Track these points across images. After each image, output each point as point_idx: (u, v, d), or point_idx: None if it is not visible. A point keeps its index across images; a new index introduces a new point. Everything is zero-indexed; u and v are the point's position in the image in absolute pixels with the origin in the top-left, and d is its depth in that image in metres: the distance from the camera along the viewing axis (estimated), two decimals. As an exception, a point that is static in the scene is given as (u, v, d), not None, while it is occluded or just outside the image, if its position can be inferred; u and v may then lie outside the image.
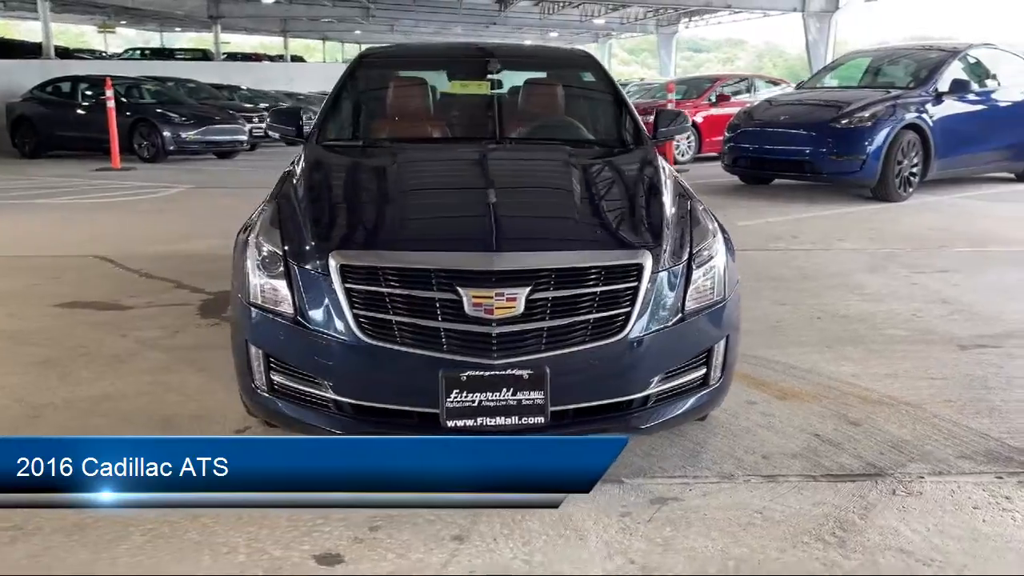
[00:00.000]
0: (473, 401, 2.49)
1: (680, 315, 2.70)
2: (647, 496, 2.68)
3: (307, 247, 2.72)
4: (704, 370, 2.82)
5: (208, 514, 2.53)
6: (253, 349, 2.76)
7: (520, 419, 2.52)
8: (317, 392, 2.66)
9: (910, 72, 9.70)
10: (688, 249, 2.79)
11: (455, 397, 2.49)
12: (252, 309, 2.76)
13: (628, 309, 2.62)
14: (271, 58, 44.74)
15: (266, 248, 2.79)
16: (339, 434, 2.71)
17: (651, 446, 3.00)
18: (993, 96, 9.61)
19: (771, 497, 2.68)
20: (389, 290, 2.56)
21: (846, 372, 3.81)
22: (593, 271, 2.61)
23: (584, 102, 4.24)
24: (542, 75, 4.39)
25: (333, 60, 59.53)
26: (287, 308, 2.68)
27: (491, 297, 2.50)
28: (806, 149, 8.86)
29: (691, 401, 2.79)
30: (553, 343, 2.55)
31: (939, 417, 3.32)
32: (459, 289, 2.51)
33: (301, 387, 2.69)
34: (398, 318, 2.54)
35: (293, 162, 3.67)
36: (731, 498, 2.68)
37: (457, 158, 3.62)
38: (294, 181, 3.28)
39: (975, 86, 9.29)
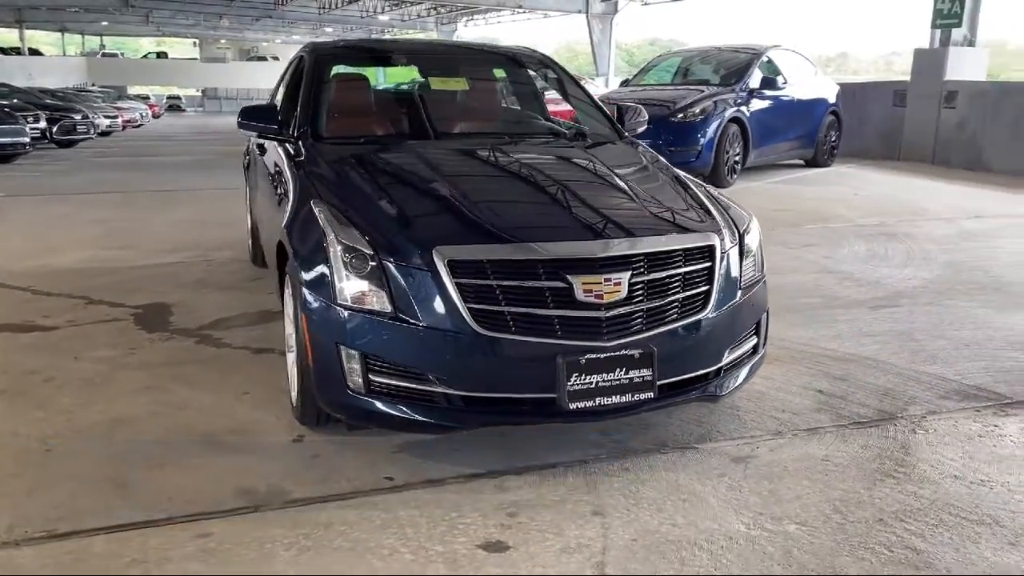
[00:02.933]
0: (591, 383, 2.63)
1: (741, 291, 2.98)
2: (726, 457, 2.94)
3: (402, 245, 2.71)
4: (755, 340, 3.12)
5: (337, 523, 2.49)
6: (346, 351, 2.71)
7: (633, 396, 2.69)
8: (423, 388, 2.68)
9: (722, 71, 10.66)
10: (737, 230, 3.06)
11: (575, 380, 2.62)
12: (342, 310, 2.71)
13: (707, 288, 2.86)
14: (4, 51, 40.53)
15: (349, 248, 2.74)
16: (447, 429, 2.75)
17: (698, 416, 3.25)
18: (788, 92, 10.79)
19: (825, 446, 3.03)
20: (500, 282, 2.63)
21: (802, 336, 4.28)
22: (677, 254, 2.82)
23: (560, 97, 4.42)
24: (517, 72, 4.51)
25: (75, 53, 54.77)
26: (384, 306, 2.67)
27: (600, 283, 2.65)
28: (646, 142, 9.49)
29: (747, 369, 3.08)
30: (652, 323, 2.74)
31: (900, 367, 3.84)
32: (568, 277, 2.63)
33: (404, 384, 2.69)
34: (511, 308, 2.62)
35: (289, 160, 3.57)
36: (794, 451, 3.00)
37: (487, 153, 3.66)
38: (329, 179, 3.22)
39: (779, 83, 10.39)
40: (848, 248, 6.48)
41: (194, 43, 67.45)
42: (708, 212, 3.11)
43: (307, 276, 2.84)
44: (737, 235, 3.05)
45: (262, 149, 4.39)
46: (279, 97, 4.99)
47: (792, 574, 2.25)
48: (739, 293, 2.97)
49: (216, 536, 2.42)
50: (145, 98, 45.18)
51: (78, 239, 6.82)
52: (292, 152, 3.69)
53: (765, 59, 10.64)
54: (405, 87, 4.33)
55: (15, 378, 3.64)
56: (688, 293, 2.83)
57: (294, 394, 3.16)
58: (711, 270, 2.88)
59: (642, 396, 2.70)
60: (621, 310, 2.68)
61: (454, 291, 2.61)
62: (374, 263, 2.70)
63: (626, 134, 4.13)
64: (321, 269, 2.79)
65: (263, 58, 66.53)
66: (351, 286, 2.72)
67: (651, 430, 3.13)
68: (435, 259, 2.64)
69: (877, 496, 2.69)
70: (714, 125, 9.39)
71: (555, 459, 2.90)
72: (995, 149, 11.15)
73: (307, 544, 2.38)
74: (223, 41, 60.71)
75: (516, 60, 4.55)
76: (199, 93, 67.98)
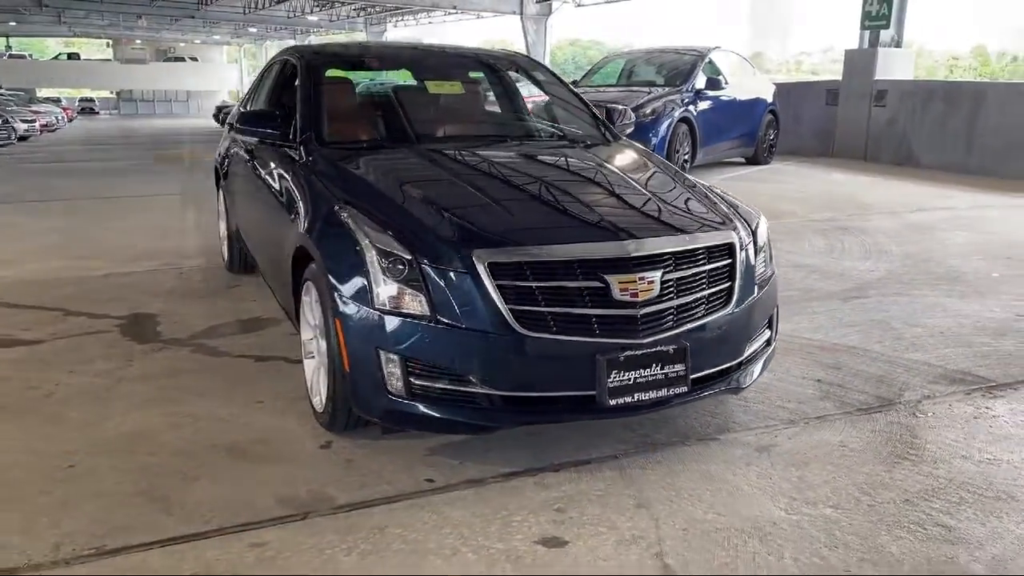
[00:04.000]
0: (629, 379, 2.71)
1: (757, 286, 3.10)
2: (749, 447, 3.05)
3: (440, 248, 2.74)
4: (769, 333, 3.24)
5: (391, 526, 2.51)
6: (386, 355, 2.73)
7: (668, 390, 2.78)
8: (464, 389, 2.72)
9: (667, 72, 10.89)
10: (749, 227, 3.18)
11: (615, 377, 2.69)
12: (381, 315, 2.73)
13: (729, 284, 2.98)
14: None
15: (386, 253, 2.76)
16: (488, 429, 2.79)
17: (711, 409, 3.36)
18: (731, 93, 11.08)
19: (838, 432, 3.17)
20: (539, 283, 2.68)
21: (786, 329, 4.42)
22: (701, 251, 2.92)
23: (550, 100, 4.48)
24: (510, 75, 4.56)
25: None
26: (423, 310, 2.70)
27: (635, 281, 2.73)
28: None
29: (762, 361, 3.21)
30: (682, 319, 2.83)
31: (885, 355, 4.03)
32: (605, 276, 2.70)
33: (445, 386, 2.72)
34: (550, 308, 2.68)
35: (292, 166, 3.56)
36: (811, 438, 3.13)
37: (500, 155, 3.70)
38: (346, 183, 3.24)
39: (723, 83, 10.67)
40: (808, 243, 6.71)
41: (107, 43, 65.28)
42: (721, 210, 3.22)
43: (340, 282, 2.84)
44: (750, 232, 3.16)
45: (253, 155, 4.33)
46: (260, 101, 4.93)
47: (838, 553, 2.37)
48: (756, 288, 3.08)
49: (272, 544, 2.42)
50: (56, 101, 43.64)
51: (33, 249, 6.60)
52: (295, 157, 3.67)
53: (708, 60, 10.91)
54: (404, 91, 4.29)
55: (14, 394, 3.54)
56: (713, 289, 2.93)
57: (319, 400, 3.15)
58: (732, 267, 2.99)
59: (676, 390, 2.79)
60: (654, 307, 2.76)
61: (495, 293, 2.65)
62: (412, 267, 2.72)
63: (620, 136, 4.22)
64: (356, 274, 2.80)
65: (181, 59, 64.87)
66: (389, 291, 2.74)
67: (671, 423, 3.22)
68: (475, 262, 2.67)
69: (898, 478, 2.83)
70: (665, 125, 9.61)
71: (587, 455, 2.97)
72: (923, 145, 11.66)
73: (366, 548, 2.40)
74: (138, 42, 58.92)
75: (507, 64, 4.60)
76: (113, 95, 65.93)
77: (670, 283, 2.81)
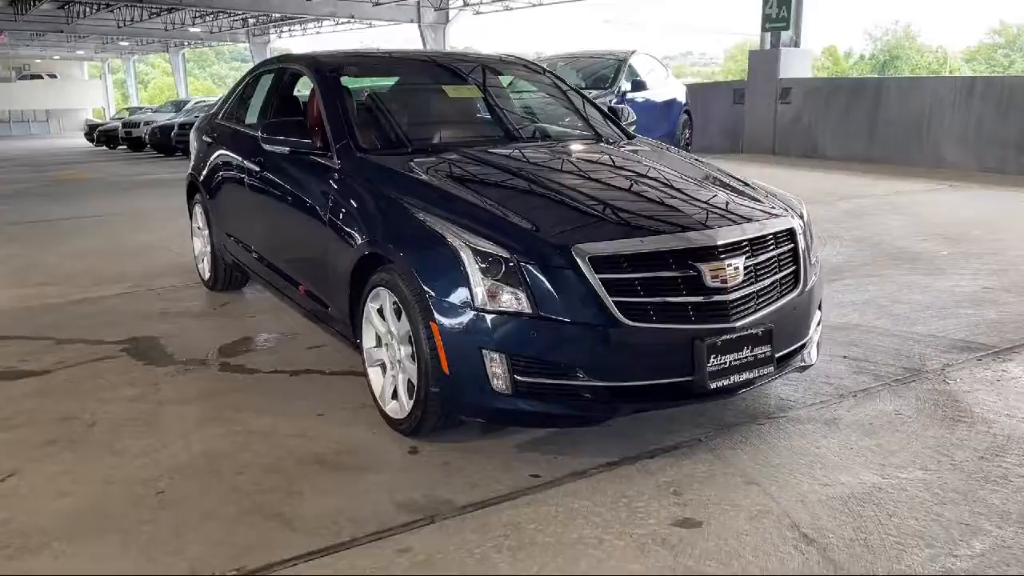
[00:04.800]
0: (725, 362, 2.84)
1: (813, 267, 3.28)
2: (817, 422, 3.23)
3: (538, 246, 2.79)
4: (819, 314, 3.43)
5: (524, 522, 2.55)
6: (489, 354, 2.76)
7: (758, 371, 2.92)
8: (570, 383, 2.78)
9: (592, 76, 11.15)
10: (798, 213, 3.36)
11: (713, 361, 2.81)
12: (484, 315, 2.76)
13: (795, 267, 3.15)
14: None
15: (483, 254, 2.79)
16: (593, 421, 2.86)
17: (761, 391, 3.52)
18: (650, 94, 11.45)
19: (887, 402, 3.39)
20: (637, 274, 2.78)
21: (791, 312, 4.67)
22: (770, 237, 3.08)
23: (564, 101, 4.57)
24: (529, 78, 4.61)
25: None
26: (525, 307, 2.74)
27: (724, 268, 2.85)
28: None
29: (817, 340, 3.39)
30: (762, 303, 2.98)
31: (890, 330, 4.31)
32: (698, 265, 2.82)
33: (551, 381, 2.78)
34: (650, 298, 2.77)
35: (326, 175, 3.55)
36: (867, 409, 3.33)
37: (547, 154, 3.75)
38: (409, 188, 3.24)
39: (647, 85, 11.01)
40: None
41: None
42: (774, 200, 3.39)
43: (433, 286, 2.85)
44: (800, 217, 3.34)
45: (264, 166, 4.24)
46: (247, 113, 4.83)
47: (950, 508, 2.55)
48: (814, 270, 3.26)
49: (418, 549, 2.41)
50: None
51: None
52: (330, 167, 3.64)
53: (628, 64, 11.23)
54: (429, 97, 4.29)
55: (54, 427, 3.36)
56: (783, 273, 3.09)
57: (397, 406, 3.15)
58: (795, 251, 3.16)
59: (764, 370, 2.94)
60: (742, 292, 2.90)
61: (599, 286, 2.72)
62: (511, 266, 2.76)
63: (634, 134, 4.35)
64: (451, 278, 2.82)
65: (39, 76, 61.41)
66: (489, 290, 2.77)
67: (734, 405, 3.37)
68: (575, 257, 2.74)
69: (963, 438, 3.06)
70: (598, 126, 9.82)
71: (673, 441, 3.08)
72: (828, 138, 12.36)
73: (512, 544, 2.43)
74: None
75: (517, 68, 4.67)
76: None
77: (750, 268, 2.95)
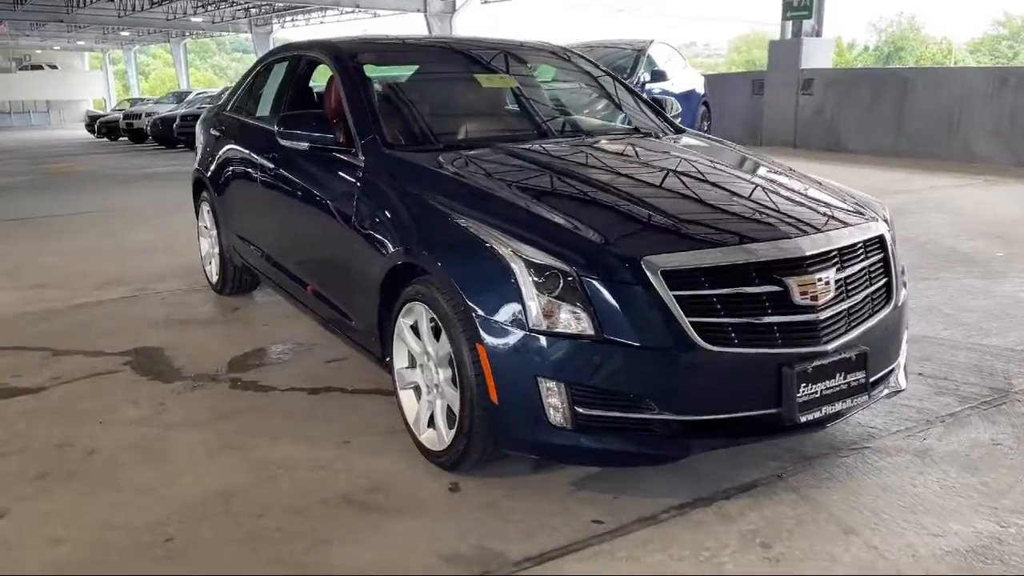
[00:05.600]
0: (816, 392, 2.48)
1: (902, 278, 2.91)
2: (907, 453, 2.87)
3: (602, 257, 2.43)
4: (906, 330, 3.06)
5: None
6: (546, 383, 2.40)
7: (851, 400, 2.56)
8: (638, 415, 2.42)
9: (611, 66, 10.74)
10: (881, 216, 2.99)
11: (803, 391, 2.45)
12: (540, 337, 2.39)
13: (887, 279, 2.78)
14: None
15: (539, 267, 2.42)
16: (664, 459, 2.50)
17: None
18: (670, 84, 11.06)
19: (980, 429, 3.03)
20: (716, 290, 2.41)
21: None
22: (860, 246, 2.71)
23: (600, 93, 4.19)
24: (565, 68, 4.24)
25: None
26: (587, 328, 2.38)
27: (814, 283, 2.49)
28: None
29: (904, 362, 3.02)
30: (855, 321, 2.61)
31: (963, 343, 3.95)
32: (784, 279, 2.45)
33: (616, 414, 2.42)
34: (731, 318, 2.41)
35: (350, 173, 3.19)
36: (959, 437, 2.97)
37: (595, 151, 3.38)
38: (448, 190, 2.87)
39: (666, 76, 10.62)
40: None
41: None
42: (856, 203, 3.02)
43: (480, 303, 2.49)
44: (885, 222, 2.97)
45: (278, 163, 3.87)
46: (258, 105, 4.45)
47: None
48: (902, 281, 2.90)
49: (474, 617, 2.06)
50: None
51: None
52: (355, 164, 3.27)
53: (647, 54, 10.84)
54: (459, 87, 3.92)
55: (49, 455, 3.00)
56: (875, 287, 2.72)
57: (434, 436, 2.80)
58: (886, 261, 2.80)
59: (857, 399, 2.58)
60: (833, 310, 2.53)
61: (673, 304, 2.36)
62: (571, 281, 2.40)
63: (682, 127, 3.99)
64: (501, 293, 2.45)
65: (39, 67, 60.96)
66: (546, 309, 2.40)
67: (810, 436, 3.00)
68: (646, 270, 2.37)
69: (1074, 472, 2.69)
70: (619, 118, 9.45)
71: (748, 477, 2.72)
72: (851, 131, 11.97)
73: None
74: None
75: (554, 56, 4.28)
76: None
77: (840, 282, 2.59)
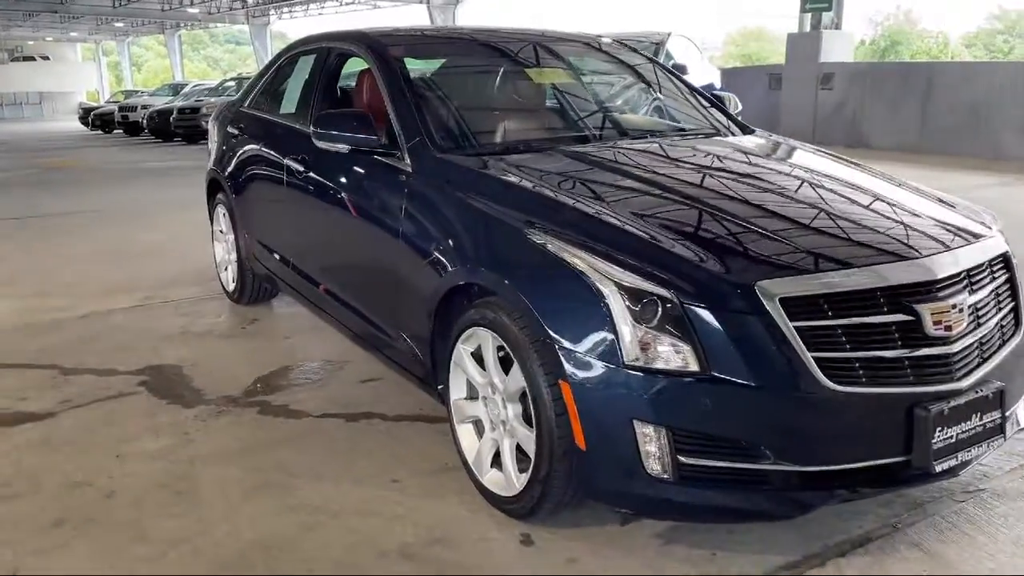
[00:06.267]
0: (951, 436, 2.16)
1: None
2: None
3: (709, 281, 2.10)
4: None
5: None
6: (643, 427, 2.08)
7: (986, 443, 2.25)
8: (752, 466, 2.09)
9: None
10: (996, 229, 2.68)
11: (939, 435, 2.13)
12: (636, 374, 2.07)
13: (1014, 303, 2.47)
14: None
15: (635, 292, 2.10)
16: (780, 516, 2.18)
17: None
18: (689, 78, 10.70)
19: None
20: (840, 320, 2.09)
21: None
22: (986, 265, 2.40)
23: (662, 87, 3.85)
24: (617, 61, 3.90)
25: None
26: (693, 364, 2.06)
27: (948, 310, 2.17)
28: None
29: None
30: (987, 353, 2.30)
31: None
32: (916, 306, 2.13)
33: (725, 464, 2.09)
34: (858, 352, 2.09)
35: (394, 177, 2.87)
36: (1081, 477, 2.66)
37: (674, 155, 3.05)
38: (517, 199, 2.54)
39: (687, 69, 10.28)
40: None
41: (-54, 43, 59.88)
42: (966, 213, 2.70)
43: (564, 333, 2.17)
44: (998, 233, 2.65)
45: (308, 164, 3.53)
46: (282, 101, 4.10)
47: None
48: None
49: None
50: None
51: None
52: (402, 170, 2.94)
53: (666, 47, 10.50)
54: (510, 82, 3.58)
55: (63, 498, 2.67)
56: (1003, 312, 2.41)
57: (500, 479, 2.49)
58: (1011, 281, 2.48)
59: (994, 442, 2.26)
60: (966, 341, 2.22)
61: (794, 337, 2.04)
62: (673, 308, 2.07)
63: (751, 127, 3.67)
64: (591, 322, 2.13)
65: (31, 58, 60.27)
66: (644, 341, 2.08)
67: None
68: (761, 297, 2.05)
69: None
70: (640, 113, 9.12)
71: (860, 528, 2.41)
72: (875, 127, 11.65)
73: None
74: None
75: (608, 49, 3.94)
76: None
77: (971, 308, 2.27)
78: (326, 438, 3.07)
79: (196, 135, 19.78)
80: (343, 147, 3.05)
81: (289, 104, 4.11)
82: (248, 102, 4.60)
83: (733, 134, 3.51)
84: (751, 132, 3.61)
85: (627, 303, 2.10)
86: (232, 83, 22.04)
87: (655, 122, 3.58)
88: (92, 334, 4.34)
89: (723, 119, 3.68)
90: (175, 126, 19.88)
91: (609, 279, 2.13)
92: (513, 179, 2.66)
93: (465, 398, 2.65)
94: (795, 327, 2.04)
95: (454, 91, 3.43)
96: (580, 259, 2.20)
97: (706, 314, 2.06)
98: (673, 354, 2.07)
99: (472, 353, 2.56)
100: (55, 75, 59.90)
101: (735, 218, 2.38)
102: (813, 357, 2.04)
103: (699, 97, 3.79)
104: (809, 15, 12.35)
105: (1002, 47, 58.41)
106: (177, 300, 4.96)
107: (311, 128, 3.12)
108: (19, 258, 6.41)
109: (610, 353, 2.10)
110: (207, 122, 16.36)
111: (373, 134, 3.00)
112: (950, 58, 50.25)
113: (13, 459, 2.94)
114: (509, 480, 2.44)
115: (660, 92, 3.78)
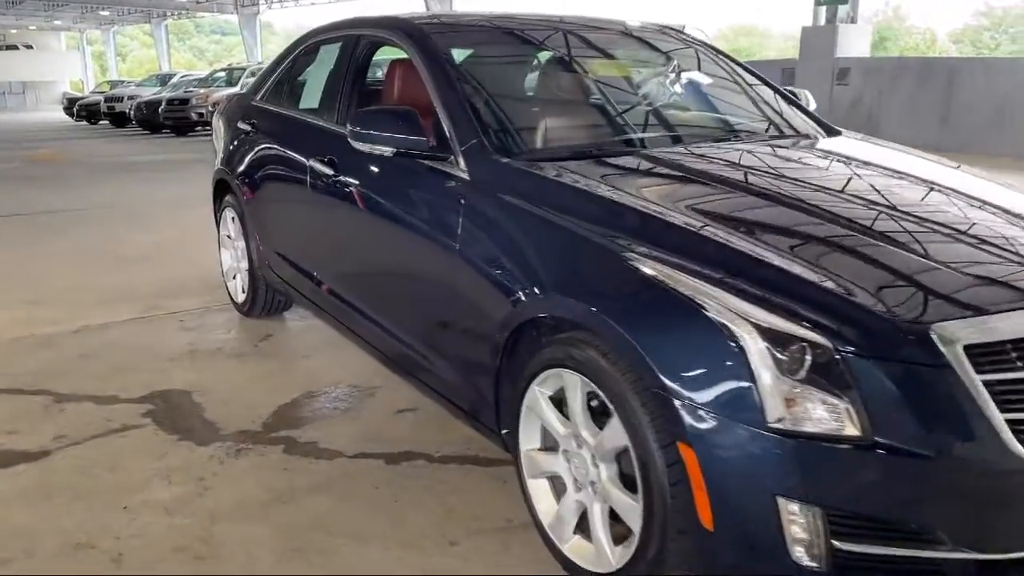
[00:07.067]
0: None
1: None
2: None
3: (868, 324, 1.71)
4: None
5: None
6: (789, 504, 1.68)
7: None
8: (924, 554, 1.70)
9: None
10: None
11: None
12: (782, 439, 1.67)
13: None
14: None
15: (780, 337, 1.70)
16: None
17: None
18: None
19: None
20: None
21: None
22: None
23: (734, 82, 3.44)
24: (687, 53, 3.49)
25: None
26: (853, 428, 1.66)
27: None
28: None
29: None
30: None
31: None
32: (1114, 356, 1.73)
33: (891, 551, 1.70)
34: None
35: (455, 188, 2.45)
36: None
37: (771, 161, 2.65)
38: (607, 215, 2.14)
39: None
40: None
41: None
42: None
43: (686, 383, 1.76)
44: None
45: (338, 166, 3.12)
46: (313, 97, 3.67)
47: None
48: None
49: None
50: None
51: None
52: (456, 176, 2.53)
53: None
54: (575, 75, 3.16)
55: (63, 562, 2.25)
56: None
57: (595, 553, 2.08)
58: None
59: None
60: None
61: (980, 393, 1.64)
62: (823, 357, 1.67)
63: (836, 127, 3.28)
64: (723, 371, 1.73)
65: (14, 47, 59.35)
66: (791, 397, 1.68)
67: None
68: (938, 343, 1.65)
69: None
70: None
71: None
72: (893, 124, 11.31)
73: None
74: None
75: (676, 39, 3.53)
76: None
77: None
78: (366, 485, 2.66)
79: (185, 127, 19.32)
80: (387, 150, 2.63)
81: (310, 98, 3.68)
82: (261, 96, 4.17)
83: (823, 136, 3.12)
84: (837, 133, 3.22)
85: (771, 351, 1.69)
86: (222, 74, 21.55)
87: (740, 122, 3.17)
88: (88, 352, 3.90)
89: (806, 119, 3.28)
90: (164, 117, 19.39)
91: (745, 319, 1.73)
92: (601, 190, 2.26)
93: (539, 449, 2.25)
94: (982, 381, 1.65)
95: (513, 86, 3.02)
96: (705, 293, 1.80)
97: (868, 365, 1.67)
98: (826, 414, 1.67)
99: (550, 396, 2.16)
100: (38, 64, 59.05)
101: (885, 242, 1.99)
102: (1005, 419, 1.64)
103: (777, 94, 3.39)
104: (824, 9, 11.99)
105: (988, 43, 58.50)
106: (180, 312, 4.53)
107: (347, 128, 2.70)
108: (7, 261, 5.94)
109: (747, 411, 1.70)
110: (196, 113, 15.93)
111: (422, 135, 2.59)
112: (938, 54, 50.22)
113: (5, 514, 2.51)
114: (601, 553, 2.04)
115: (738, 89, 3.37)
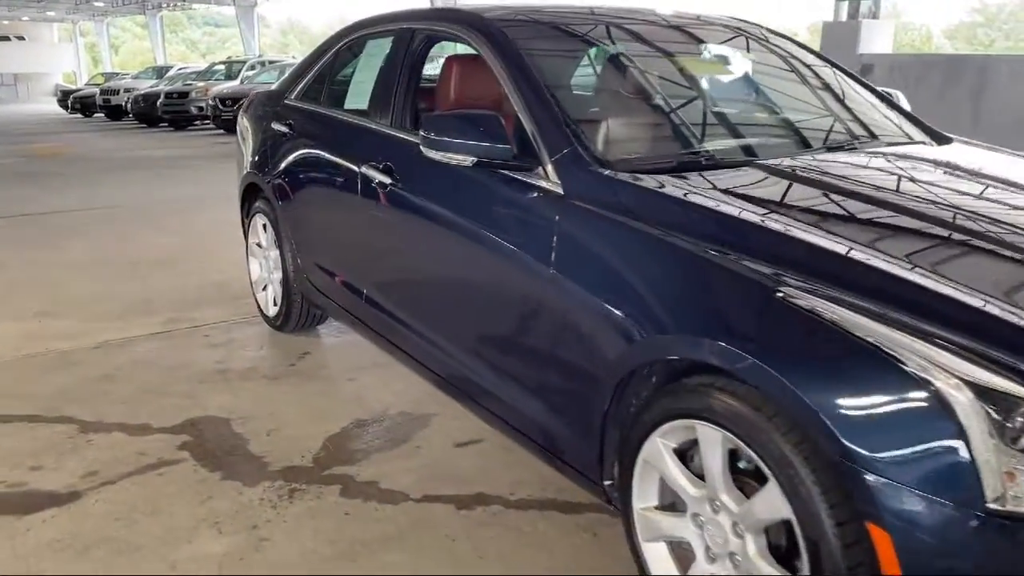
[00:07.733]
0: None
1: None
2: None
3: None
4: None
5: None
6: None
7: None
8: None
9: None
10: None
11: None
12: (1005, 524, 1.38)
13: None
14: None
15: (998, 397, 1.40)
16: None
17: None
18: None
19: None
20: None
21: None
22: None
23: (825, 82, 3.14)
24: (778, 56, 3.18)
25: None
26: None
27: None
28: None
29: None
30: None
31: None
32: None
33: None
34: None
35: (547, 205, 2.17)
36: None
37: (897, 173, 2.36)
38: (756, 243, 1.83)
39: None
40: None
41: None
42: None
43: (876, 450, 1.46)
44: None
45: (398, 176, 2.81)
46: (361, 96, 3.35)
47: None
48: None
49: None
50: None
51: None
52: (545, 190, 2.23)
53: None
54: (674, 76, 2.85)
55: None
56: None
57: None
58: None
59: None
60: None
61: None
62: None
63: (948, 135, 2.99)
64: (924, 437, 1.43)
65: (6, 38, 58.71)
66: (1013, 471, 1.39)
67: None
68: None
69: None
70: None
71: None
72: (917, 123, 11.00)
73: None
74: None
75: (766, 36, 3.22)
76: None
77: None
78: (440, 537, 2.36)
79: (184, 121, 18.94)
80: (467, 159, 2.32)
81: (358, 98, 3.36)
82: (296, 94, 3.85)
83: (935, 142, 2.84)
84: (948, 141, 2.93)
85: (987, 412, 1.40)
86: (221, 67, 21.14)
87: (853, 129, 2.86)
88: (111, 372, 3.59)
89: (911, 124, 2.99)
90: (162, 111, 19.00)
91: (953, 375, 1.43)
92: (730, 209, 1.95)
93: (658, 507, 1.95)
94: None
95: (606, 87, 2.70)
96: (898, 342, 1.50)
97: (1103, 429, 1.37)
98: (1059, 488, 1.38)
99: (674, 448, 1.87)
100: (31, 56, 58.43)
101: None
102: None
103: (876, 96, 3.10)
104: (845, 3, 11.67)
105: (983, 40, 58.44)
106: (205, 326, 4.21)
107: (420, 134, 2.40)
108: (16, 267, 5.59)
109: (959, 488, 1.41)
110: (196, 107, 15.56)
111: (506, 143, 2.29)
112: (933, 50, 50.02)
113: (33, 573, 2.20)
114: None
115: (844, 93, 3.06)
